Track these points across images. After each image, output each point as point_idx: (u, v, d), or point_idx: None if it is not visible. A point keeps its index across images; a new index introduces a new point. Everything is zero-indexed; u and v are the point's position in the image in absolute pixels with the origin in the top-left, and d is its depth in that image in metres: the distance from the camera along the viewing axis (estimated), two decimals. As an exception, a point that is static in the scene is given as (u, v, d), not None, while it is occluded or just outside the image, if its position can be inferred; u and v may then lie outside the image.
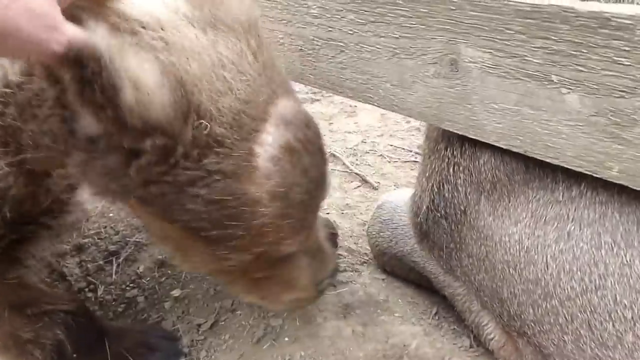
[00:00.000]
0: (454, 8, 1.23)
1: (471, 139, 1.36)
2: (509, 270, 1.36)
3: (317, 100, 3.71)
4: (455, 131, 1.35)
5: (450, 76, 1.30)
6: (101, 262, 2.14)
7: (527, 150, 1.24)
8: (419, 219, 1.62)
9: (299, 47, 1.63)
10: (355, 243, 2.22)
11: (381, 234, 1.91)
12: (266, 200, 1.09)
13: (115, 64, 0.82)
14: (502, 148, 1.30)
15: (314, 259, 1.45)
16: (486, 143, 1.33)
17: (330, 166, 2.86)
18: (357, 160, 2.94)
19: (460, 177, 1.44)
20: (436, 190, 1.51)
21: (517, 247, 1.34)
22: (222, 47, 1.04)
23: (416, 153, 3.00)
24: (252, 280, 1.37)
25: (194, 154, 1.00)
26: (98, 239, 2.27)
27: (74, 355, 1.55)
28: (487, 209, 1.40)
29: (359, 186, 2.69)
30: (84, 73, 0.80)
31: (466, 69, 1.26)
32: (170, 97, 0.93)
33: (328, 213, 2.42)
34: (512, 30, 1.15)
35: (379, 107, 1.50)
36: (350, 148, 3.07)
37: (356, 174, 2.78)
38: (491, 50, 1.20)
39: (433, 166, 1.52)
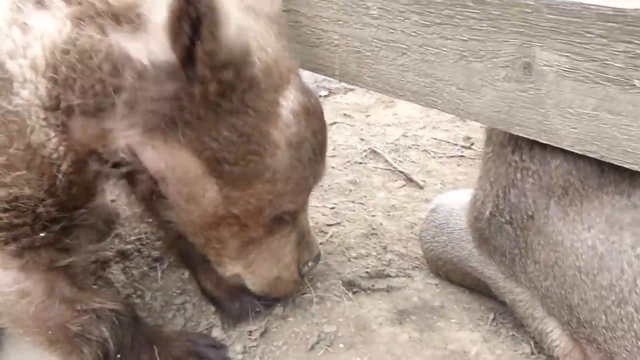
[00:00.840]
0: (529, 11, 1.23)
1: (540, 143, 1.36)
2: (581, 277, 1.36)
3: (351, 90, 3.66)
4: (526, 136, 1.35)
5: (522, 80, 1.30)
6: (146, 268, 2.16)
7: (604, 156, 1.24)
8: (480, 224, 1.63)
9: (356, 49, 1.63)
10: (404, 247, 2.22)
11: (436, 238, 1.91)
12: (283, 145, 1.36)
13: (223, 7, 1.11)
14: (575, 153, 1.30)
15: (302, 239, 1.69)
16: (558, 147, 1.32)
17: (372, 164, 2.86)
18: (399, 156, 2.92)
19: (528, 182, 1.44)
20: (501, 195, 1.51)
21: (590, 253, 1.34)
22: (259, 24, 1.37)
23: (462, 147, 2.99)
24: (244, 244, 1.56)
25: (241, 89, 1.27)
26: (140, 245, 2.28)
27: (118, 356, 1.57)
28: (557, 214, 1.41)
29: (403, 185, 2.68)
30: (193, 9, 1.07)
31: (540, 73, 1.26)
32: (246, 42, 1.24)
33: (374, 215, 2.43)
34: (592, 33, 1.15)
35: (442, 111, 1.50)
36: (392, 143, 3.04)
37: (400, 171, 2.76)
38: (568, 54, 1.20)
39: (498, 170, 1.52)
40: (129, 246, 2.27)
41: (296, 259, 1.70)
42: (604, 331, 1.35)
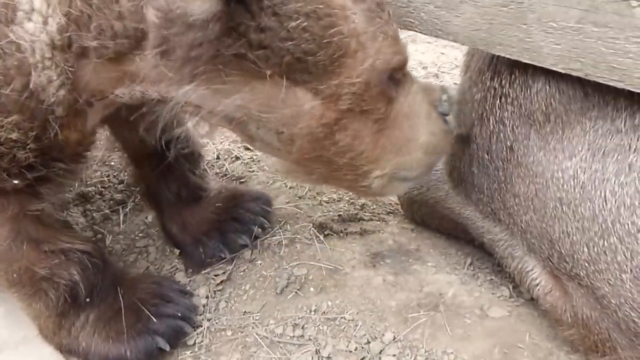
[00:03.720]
0: None
1: (522, 66, 1.33)
2: (562, 208, 1.33)
3: None
4: (508, 55, 1.31)
5: None
6: (107, 211, 2.13)
7: (589, 74, 1.20)
8: (456, 160, 1.59)
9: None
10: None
11: (412, 180, 1.87)
12: (350, 3, 1.19)
13: None
14: (558, 75, 1.26)
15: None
16: (540, 70, 1.29)
17: None
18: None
19: (507, 110, 1.41)
20: (477, 124, 1.47)
21: (572, 182, 1.31)
22: None
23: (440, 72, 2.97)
24: (376, 134, 1.32)
25: None
26: (102, 187, 2.24)
27: (87, 300, 1.55)
28: (537, 144, 1.37)
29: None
30: None
31: None
32: None
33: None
34: None
35: (420, 32, 1.46)
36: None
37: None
38: None
39: (475, 99, 1.48)
40: (90, 189, 2.23)
41: (432, 105, 1.41)
42: (586, 264, 1.32)
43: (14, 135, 1.27)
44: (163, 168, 1.81)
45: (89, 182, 2.26)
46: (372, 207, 2.10)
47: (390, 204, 2.12)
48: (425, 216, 1.91)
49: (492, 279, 1.76)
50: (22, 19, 1.18)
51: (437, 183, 1.77)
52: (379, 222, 2.02)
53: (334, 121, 1.26)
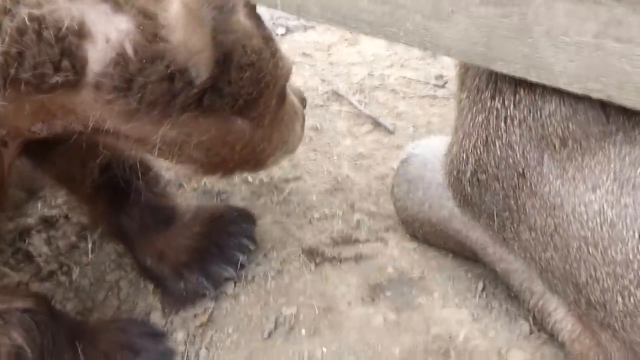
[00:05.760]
0: None
1: (527, 85, 1.21)
2: (588, 249, 1.21)
3: (311, 27, 3.54)
4: (511, 73, 1.18)
5: (504, 2, 1.12)
6: (74, 239, 2.00)
7: (612, 95, 1.07)
8: (461, 183, 1.45)
9: (298, -29, 1.44)
10: (375, 203, 2.06)
11: (410, 195, 1.75)
12: (264, 45, 1.40)
13: None
14: (573, 94, 1.13)
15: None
16: (551, 89, 1.17)
17: (335, 107, 2.72)
18: (365, 98, 2.76)
19: (515, 133, 1.28)
20: (483, 148, 1.35)
21: (598, 219, 1.18)
22: None
23: (435, 85, 2.85)
24: (271, 133, 1.59)
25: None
26: (68, 209, 2.11)
27: None
28: (553, 171, 1.24)
29: (371, 130, 2.52)
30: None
31: None
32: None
33: (339, 166, 2.28)
34: None
35: (406, 44, 1.32)
36: (356, 83, 2.89)
37: (367, 115, 2.60)
38: None
39: (476, 121, 1.36)
40: (54, 211, 2.11)
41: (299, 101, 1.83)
42: (622, 316, 1.20)
43: None
44: (119, 197, 1.75)
45: (52, 204, 2.13)
46: (368, 224, 1.97)
47: (390, 216, 1.98)
48: (429, 235, 1.78)
49: (508, 309, 1.62)
50: None
51: (440, 200, 1.64)
52: (376, 244, 1.89)
53: (255, 134, 1.50)
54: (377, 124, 2.54)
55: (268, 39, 1.49)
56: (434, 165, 1.70)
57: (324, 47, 3.28)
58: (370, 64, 3.08)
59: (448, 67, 2.94)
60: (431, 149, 1.78)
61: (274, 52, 1.49)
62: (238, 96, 1.36)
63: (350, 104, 2.69)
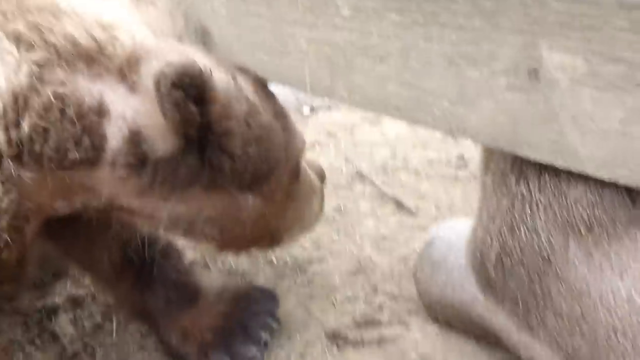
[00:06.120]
0: (532, 2, 1.05)
1: (552, 170, 1.21)
2: (617, 338, 1.18)
3: (335, 106, 3.58)
4: (538, 159, 1.18)
5: (529, 88, 1.12)
6: (99, 319, 2.01)
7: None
8: (485, 266, 1.45)
9: (328, 56, 1.46)
10: (397, 286, 2.05)
11: (434, 278, 1.73)
12: (274, 121, 1.48)
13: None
14: (599, 180, 1.12)
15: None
16: (576, 174, 1.16)
17: (359, 187, 2.74)
18: (388, 179, 2.78)
19: (540, 218, 1.28)
20: (507, 233, 1.34)
21: (626, 307, 1.17)
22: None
23: (456, 167, 2.86)
24: (288, 202, 1.61)
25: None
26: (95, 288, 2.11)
27: None
28: (578, 257, 1.23)
29: (394, 211, 2.53)
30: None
31: (551, 79, 1.08)
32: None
33: (362, 248, 2.29)
34: (614, 27, 0.97)
35: (434, 128, 1.33)
36: (379, 164, 2.91)
37: (390, 196, 2.61)
38: (585, 54, 1.02)
39: (501, 204, 1.36)
40: (81, 291, 2.12)
41: (318, 177, 1.82)
42: None
43: None
44: (142, 276, 1.76)
45: (81, 283, 2.14)
46: (391, 306, 1.97)
47: (413, 299, 1.97)
48: (451, 319, 1.75)
49: (535, 399, 1.58)
50: None
51: (463, 283, 1.63)
52: (399, 327, 1.87)
53: (268, 210, 1.51)
54: (400, 205, 2.54)
55: (279, 114, 1.53)
56: (458, 248, 1.69)
57: (348, 127, 3.31)
58: (393, 144, 3.10)
59: (469, 148, 2.96)
60: (455, 231, 1.78)
61: (286, 127, 1.53)
62: (244, 172, 1.37)
63: (374, 184, 2.71)
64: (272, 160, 1.45)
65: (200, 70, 1.17)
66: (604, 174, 1.10)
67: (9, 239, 1.26)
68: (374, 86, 1.40)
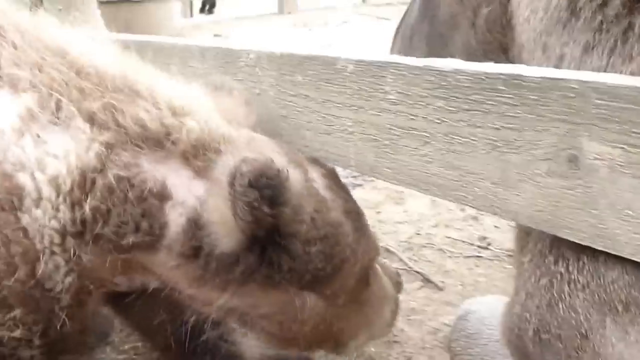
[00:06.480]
0: (573, 95, 1.11)
1: (590, 251, 1.24)
2: None
3: (359, 185, 3.66)
4: (578, 241, 1.22)
5: (569, 175, 1.17)
6: None
7: None
8: (522, 341, 1.49)
9: (373, 137, 1.53)
10: (429, 356, 2.09)
11: (468, 350, 1.77)
12: (343, 219, 1.45)
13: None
14: (635, 262, 1.16)
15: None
16: (613, 256, 1.19)
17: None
18: (414, 255, 2.87)
19: (579, 297, 1.30)
20: (546, 310, 1.38)
21: None
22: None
23: (479, 247, 2.91)
24: (354, 307, 1.56)
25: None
26: (135, 354, 2.18)
27: None
28: (616, 334, 1.26)
29: (421, 286, 2.60)
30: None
31: (590, 167, 1.14)
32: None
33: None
34: None
35: (474, 207, 1.38)
36: (405, 241, 2.99)
37: (416, 272, 2.68)
38: (624, 146, 1.07)
39: (540, 283, 1.39)
40: (121, 357, 2.18)
41: (393, 285, 1.77)
42: None
43: (17, 333, 1.22)
44: (192, 345, 1.75)
45: (121, 349, 2.20)
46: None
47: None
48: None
49: None
50: (29, 206, 1.18)
51: (497, 356, 1.67)
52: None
53: (330, 312, 1.48)
54: (426, 281, 2.61)
55: (351, 212, 1.48)
56: (491, 322, 1.74)
57: (372, 205, 3.40)
58: (416, 223, 3.19)
59: (490, 229, 3.04)
60: (488, 306, 1.82)
61: (357, 228, 1.47)
62: (304, 271, 1.33)
63: (401, 260, 2.77)
64: (337, 261, 1.40)
65: (278, 171, 1.15)
66: (640, 257, 1.13)
67: (71, 314, 1.28)
68: (418, 166, 1.45)
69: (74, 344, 1.38)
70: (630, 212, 1.12)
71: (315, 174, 1.45)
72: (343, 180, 3.57)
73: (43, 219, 1.19)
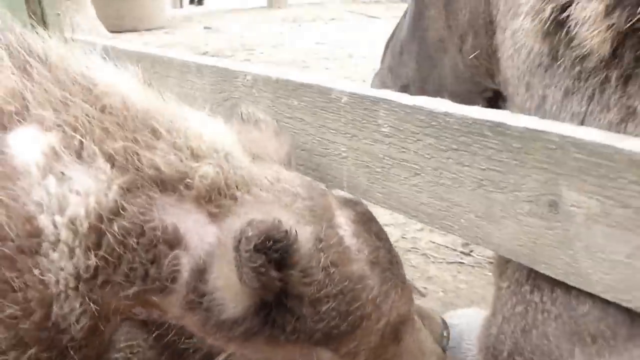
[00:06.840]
0: (554, 147, 1.20)
1: (564, 285, 1.32)
2: None
3: None
4: (553, 276, 1.30)
5: (549, 217, 1.26)
6: None
7: (639, 307, 1.18)
8: (497, 358, 1.58)
9: (366, 164, 1.62)
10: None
11: (448, 363, 1.86)
12: (368, 270, 1.33)
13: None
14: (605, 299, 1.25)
15: (422, 318, 1.61)
16: (585, 292, 1.28)
17: None
18: (399, 261, 2.88)
19: (551, 325, 1.39)
20: (520, 334, 1.47)
21: None
22: None
23: (461, 253, 2.98)
24: None
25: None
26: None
27: None
28: None
29: (404, 293, 2.63)
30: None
31: (568, 213, 1.22)
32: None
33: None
34: (625, 179, 1.11)
35: (460, 237, 1.47)
36: (390, 245, 3.02)
37: (400, 277, 2.72)
38: (599, 197, 1.16)
39: (515, 309, 1.47)
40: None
41: (434, 340, 1.65)
42: None
43: None
44: None
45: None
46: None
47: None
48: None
49: None
50: (47, 250, 1.17)
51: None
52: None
53: None
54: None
55: (379, 262, 1.37)
56: (469, 336, 1.82)
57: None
58: (402, 226, 3.22)
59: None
60: (467, 319, 1.89)
61: (387, 280, 1.37)
62: (313, 330, 1.27)
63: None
64: (354, 318, 1.30)
65: (285, 233, 1.09)
66: (610, 297, 1.22)
67: (86, 344, 1.28)
68: (408, 194, 1.54)
69: None
70: (602, 255, 1.21)
71: (343, 219, 1.36)
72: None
73: (59, 263, 1.17)
